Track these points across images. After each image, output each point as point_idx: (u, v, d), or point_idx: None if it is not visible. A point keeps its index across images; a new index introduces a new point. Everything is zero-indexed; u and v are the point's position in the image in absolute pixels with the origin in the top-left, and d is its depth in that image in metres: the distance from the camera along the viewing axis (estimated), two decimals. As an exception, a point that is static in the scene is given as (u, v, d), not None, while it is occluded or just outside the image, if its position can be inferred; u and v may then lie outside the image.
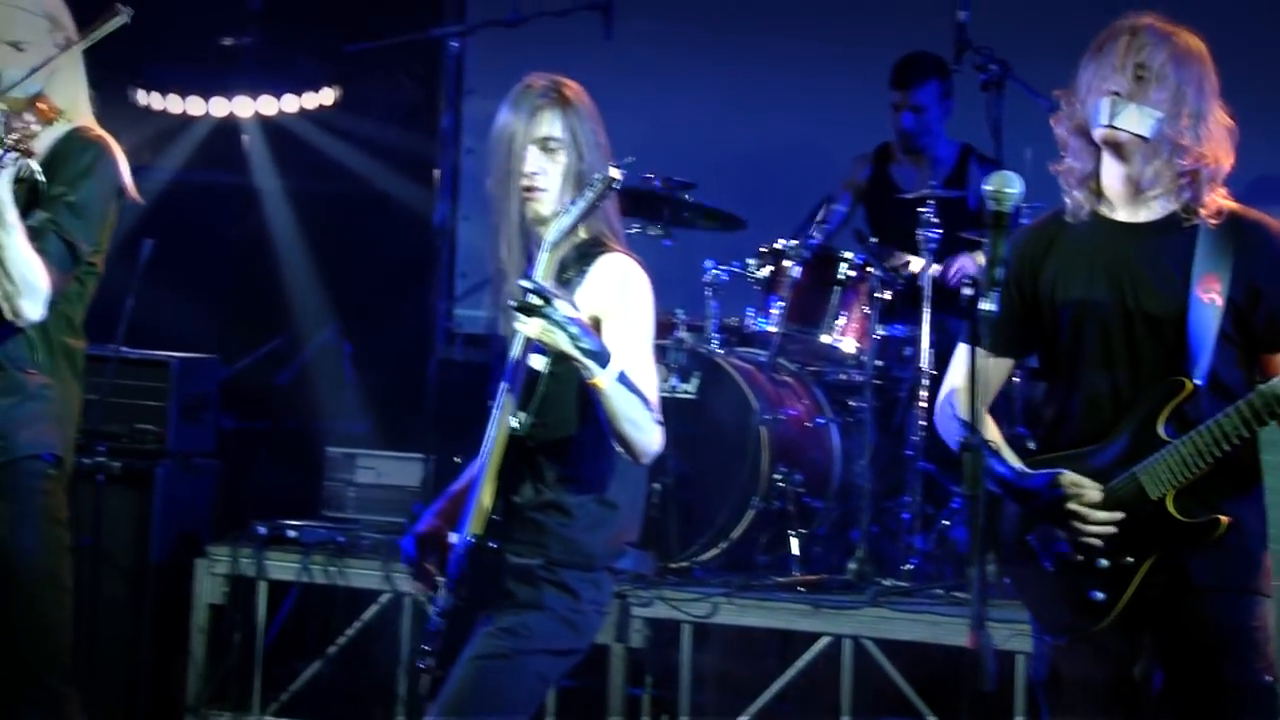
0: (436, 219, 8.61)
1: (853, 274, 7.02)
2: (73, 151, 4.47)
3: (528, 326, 3.88)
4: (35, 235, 4.34)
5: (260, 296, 8.72)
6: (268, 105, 8.55)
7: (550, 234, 4.03)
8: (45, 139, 4.43)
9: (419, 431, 7.95)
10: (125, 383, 6.89)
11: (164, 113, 8.46)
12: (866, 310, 7.00)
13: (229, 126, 8.78)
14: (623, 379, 3.94)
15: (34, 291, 4.33)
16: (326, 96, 8.63)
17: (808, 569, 6.75)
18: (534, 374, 4.07)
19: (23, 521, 4.49)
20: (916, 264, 6.99)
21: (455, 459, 7.58)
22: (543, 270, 3.99)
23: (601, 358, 3.90)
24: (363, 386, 8.53)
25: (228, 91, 8.47)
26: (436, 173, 8.68)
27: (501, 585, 4.15)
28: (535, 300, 3.83)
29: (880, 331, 6.96)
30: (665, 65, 8.35)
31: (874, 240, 7.14)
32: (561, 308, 3.85)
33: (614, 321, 4.05)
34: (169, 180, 8.38)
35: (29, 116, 4.19)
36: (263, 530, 7.05)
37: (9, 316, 4.35)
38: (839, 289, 7.05)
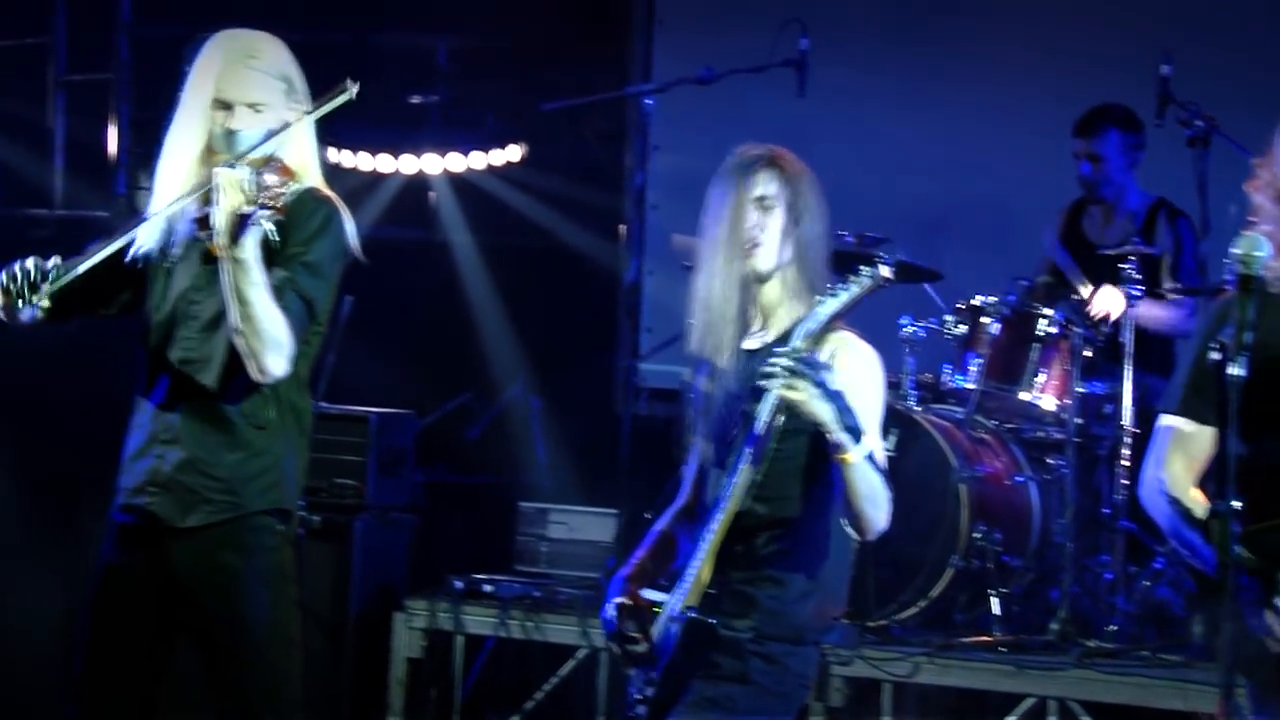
0: (623, 274, 8.72)
1: (1053, 330, 6.96)
2: (306, 212, 4.51)
3: (796, 392, 3.88)
4: (276, 294, 4.38)
5: (449, 351, 8.80)
6: (455, 162, 8.65)
7: (811, 321, 4.02)
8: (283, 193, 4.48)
9: (606, 486, 7.99)
10: (325, 438, 6.96)
11: (355, 170, 8.59)
12: (1067, 367, 6.93)
13: (418, 183, 8.89)
14: (869, 457, 3.95)
15: (279, 347, 4.37)
16: (513, 153, 8.71)
17: (1007, 629, 6.68)
18: (770, 445, 4.07)
19: (253, 577, 4.52)
20: (1103, 302, 6.94)
21: (646, 514, 7.62)
22: (801, 345, 3.99)
23: (857, 434, 3.90)
24: (550, 441, 8.56)
25: (417, 149, 8.58)
26: (622, 228, 8.80)
27: (707, 656, 4.16)
28: (808, 368, 3.84)
29: (1080, 388, 6.89)
30: (856, 120, 8.33)
31: (1075, 297, 7.09)
32: (831, 378, 3.86)
33: (858, 402, 4.03)
34: (361, 237, 8.46)
35: (273, 178, 4.23)
36: (459, 585, 7.12)
37: (254, 373, 4.39)
38: (1039, 346, 6.99)
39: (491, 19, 8.92)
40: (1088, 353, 6.90)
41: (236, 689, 4.53)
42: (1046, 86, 8.14)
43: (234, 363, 4.44)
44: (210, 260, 4.45)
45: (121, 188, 9.37)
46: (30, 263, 4.48)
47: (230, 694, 4.53)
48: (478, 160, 8.67)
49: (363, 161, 8.60)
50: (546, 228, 8.94)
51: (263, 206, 4.16)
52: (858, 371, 4.11)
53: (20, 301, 4.46)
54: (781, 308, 4.28)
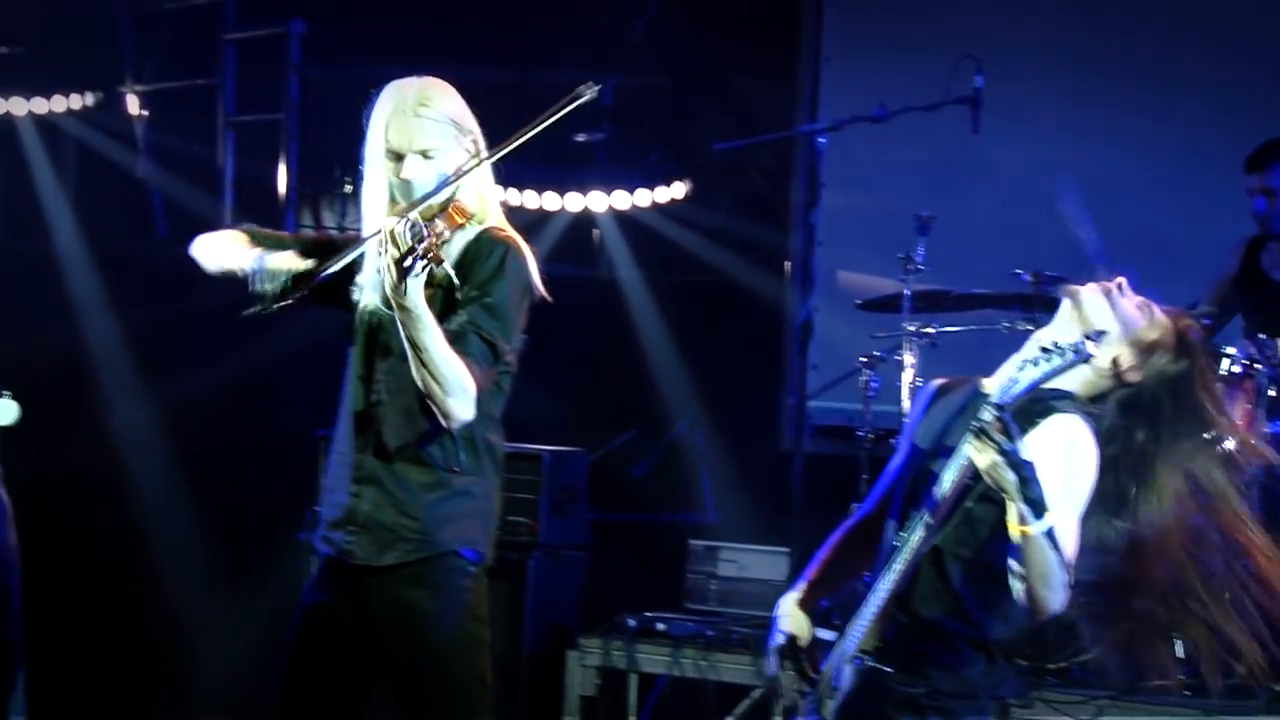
0: (788, 310, 8.71)
1: (1237, 370, 6.86)
2: (483, 252, 4.53)
3: (980, 455, 3.84)
4: (457, 338, 4.40)
5: (614, 388, 8.82)
6: (620, 199, 8.68)
7: (1012, 386, 3.98)
8: (457, 242, 4.51)
9: (774, 523, 7.97)
10: (499, 475, 7.01)
11: (521, 208, 8.65)
12: (1251, 406, 6.81)
13: (583, 221, 8.93)
14: (1049, 534, 3.88)
15: (462, 392, 4.39)
16: (677, 190, 8.73)
17: (1191, 671, 6.56)
18: (955, 504, 4.03)
19: (445, 617, 4.54)
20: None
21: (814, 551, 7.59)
22: (994, 408, 3.94)
23: (1040, 508, 3.84)
24: (716, 478, 8.55)
25: (583, 186, 8.63)
26: (788, 264, 8.79)
27: (881, 708, 4.14)
28: (998, 432, 3.80)
29: (1266, 429, 6.77)
30: (1029, 155, 8.26)
31: (1261, 336, 6.97)
32: (1022, 447, 3.81)
33: (1052, 479, 3.97)
34: (531, 274, 8.53)
35: (440, 224, 4.25)
36: (632, 623, 7.12)
37: (440, 419, 4.42)
38: (1221, 385, 6.86)
39: (655, 56, 8.96)
40: (1273, 391, 6.78)
41: None
42: (1221, 120, 8.04)
43: (428, 405, 4.47)
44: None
45: (290, 226, 9.50)
46: (284, 264, 4.53)
47: None
48: (642, 197, 8.70)
49: (529, 199, 8.67)
50: (710, 264, 8.96)
51: (421, 256, 4.18)
52: (1057, 447, 4.04)
53: (265, 300, 4.51)
54: (1010, 363, 4.22)
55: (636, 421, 8.75)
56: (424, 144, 4.49)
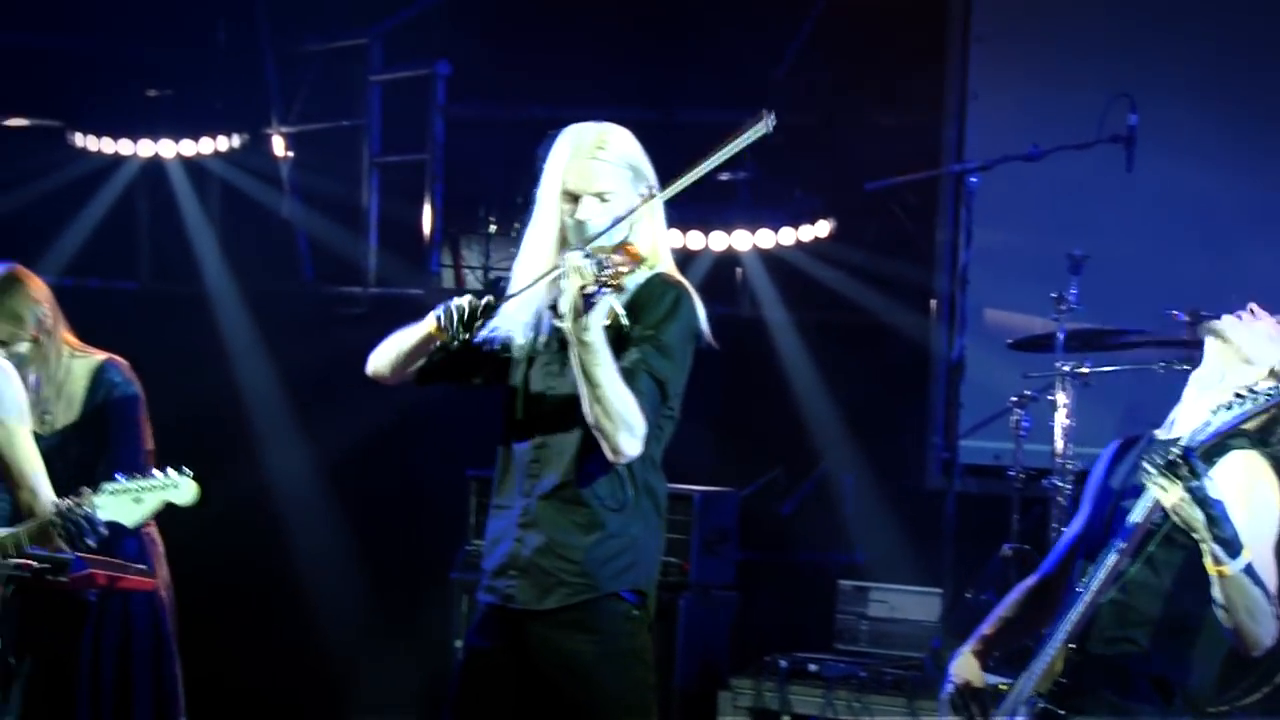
0: (934, 349, 8.67)
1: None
2: (655, 295, 4.55)
3: (1166, 494, 3.82)
4: (627, 375, 4.42)
5: (759, 427, 8.81)
6: (765, 238, 8.68)
7: (1204, 429, 3.96)
8: (629, 283, 4.53)
9: (920, 563, 7.94)
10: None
11: (665, 247, 8.65)
12: None
13: (726, 259, 8.94)
14: (1249, 570, 3.85)
15: (631, 429, 4.41)
16: (822, 228, 8.72)
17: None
18: (1143, 545, 4.00)
19: (607, 660, 4.54)
20: None
21: (966, 593, 7.54)
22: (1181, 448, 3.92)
23: (1233, 547, 3.81)
24: (861, 517, 8.52)
25: (727, 225, 8.63)
26: (933, 303, 8.75)
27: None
28: (1182, 472, 3.77)
29: None
30: (1183, 193, 8.17)
31: None
32: (1210, 484, 3.78)
33: (1239, 513, 3.94)
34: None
35: (618, 257, 4.28)
36: (784, 664, 7.11)
37: (608, 454, 4.43)
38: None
39: (799, 94, 8.97)
40: None
41: None
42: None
43: (590, 446, 4.49)
44: (565, 345, 4.53)
45: (435, 265, 9.59)
46: (466, 300, 4.55)
47: None
48: (787, 236, 8.69)
49: (673, 239, 8.66)
50: (854, 302, 8.92)
51: (604, 285, 4.21)
52: (1240, 483, 4.01)
53: (452, 335, 4.54)
54: (1201, 403, 4.19)
55: (782, 460, 8.73)
56: (600, 186, 4.54)
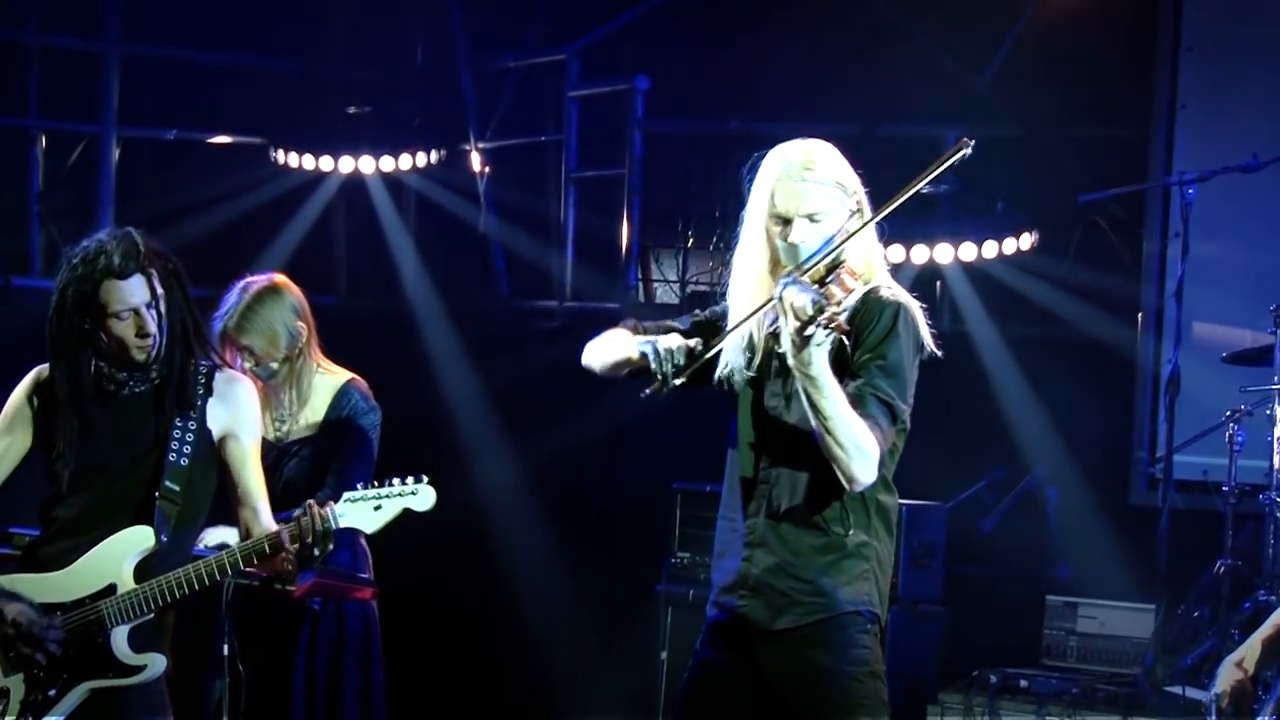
0: (1141, 362, 8.54)
1: None
2: (873, 313, 4.50)
3: None
4: (855, 401, 4.38)
5: (963, 440, 8.72)
6: (967, 251, 8.61)
7: None
8: (846, 303, 4.48)
9: (1128, 578, 7.83)
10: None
11: (868, 261, 8.61)
12: None
13: (927, 273, 8.88)
14: None
15: (866, 457, 4.36)
16: (1025, 241, 8.63)
17: None
18: None
19: (846, 678, 4.52)
20: None
21: (1178, 609, 7.43)
22: None
23: None
24: (1066, 532, 8.41)
25: (929, 239, 8.58)
26: (1139, 315, 8.63)
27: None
28: None
29: None
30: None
31: None
32: None
33: None
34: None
35: (837, 292, 4.21)
36: (993, 679, 7.04)
37: (844, 482, 4.39)
38: None
39: (1002, 106, 8.89)
40: None
41: None
42: None
43: (822, 468, 4.45)
44: (786, 370, 4.51)
45: (632, 280, 9.62)
46: (676, 345, 4.54)
47: None
48: (989, 249, 8.61)
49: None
50: (1058, 315, 8.82)
51: (824, 326, 4.16)
52: None
53: (663, 379, 4.55)
54: None
55: (986, 474, 8.64)
56: (811, 208, 4.48)
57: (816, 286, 4.20)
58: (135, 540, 4.81)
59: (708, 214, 9.53)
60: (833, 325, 4.14)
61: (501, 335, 9.68)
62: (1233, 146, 7.68)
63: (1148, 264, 8.60)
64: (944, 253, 8.61)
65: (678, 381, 4.50)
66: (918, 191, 4.45)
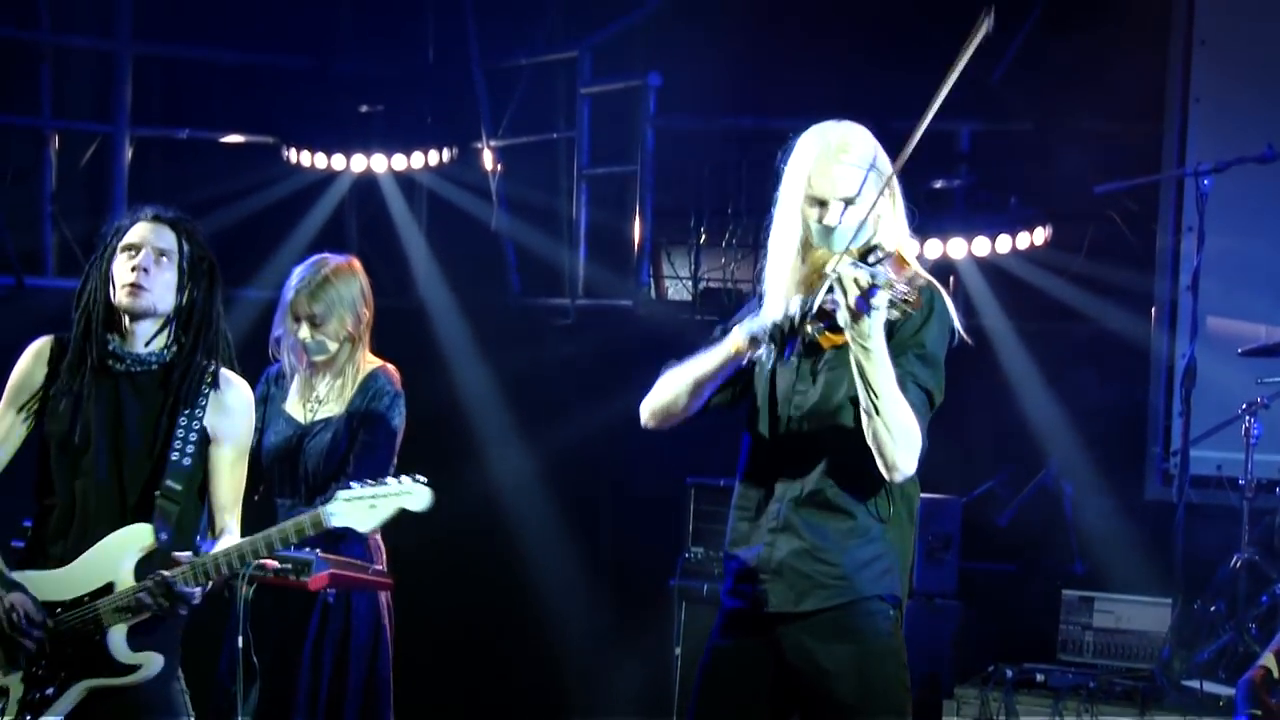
0: (1157, 356, 8.52)
1: None
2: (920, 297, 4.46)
3: None
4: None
5: (979, 434, 8.71)
6: (981, 245, 8.59)
7: None
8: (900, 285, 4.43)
9: (1144, 573, 7.80)
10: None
11: (880, 255, 8.59)
12: None
13: (941, 267, 8.85)
14: None
15: (912, 443, 4.35)
16: (1039, 236, 8.61)
17: None
18: None
19: (869, 661, 4.51)
20: None
21: (1194, 604, 7.41)
22: None
23: None
24: (1081, 526, 8.38)
25: (942, 234, 8.56)
26: (1153, 310, 8.60)
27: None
28: None
29: None
30: None
31: None
32: None
33: None
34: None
35: (894, 275, 4.17)
36: (1010, 673, 7.02)
37: (883, 469, 4.36)
38: None
39: (1014, 100, 8.88)
40: None
41: None
42: None
43: (845, 452, 4.45)
44: (812, 352, 4.49)
45: (645, 277, 9.60)
46: (782, 316, 4.41)
47: None
48: (1003, 244, 8.59)
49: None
50: (1072, 309, 8.80)
51: (891, 303, 4.13)
52: None
53: (785, 337, 4.40)
54: None
55: (1001, 468, 8.61)
56: (847, 191, 4.47)
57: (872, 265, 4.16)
58: (134, 539, 4.81)
59: (720, 210, 9.50)
60: (900, 298, 4.12)
61: (514, 332, 9.67)
62: (1246, 140, 7.65)
63: (1161, 257, 8.56)
64: (958, 247, 8.58)
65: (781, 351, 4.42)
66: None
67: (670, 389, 4.70)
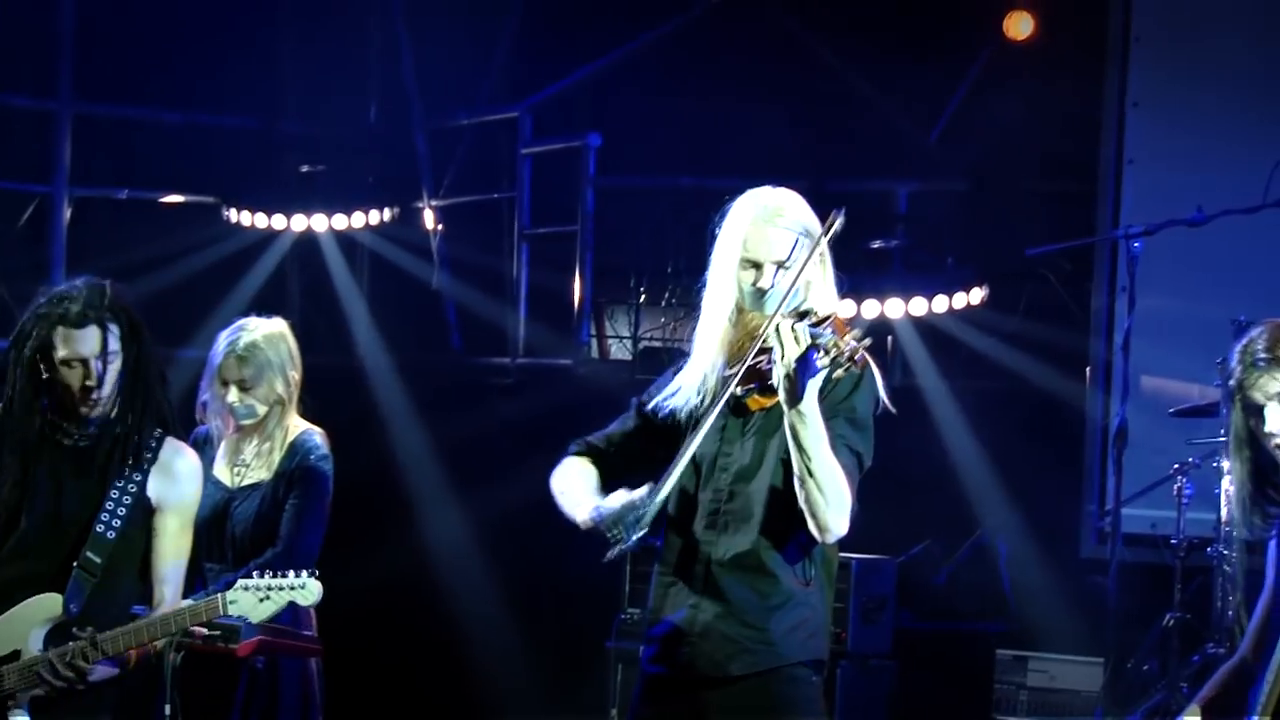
0: (1090, 415, 8.57)
1: None
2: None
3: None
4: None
5: (914, 494, 8.73)
6: (918, 306, 8.64)
7: None
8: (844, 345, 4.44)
9: (1078, 632, 7.83)
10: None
11: (816, 316, 8.64)
12: None
13: (879, 327, 8.90)
14: None
15: (843, 506, 4.34)
16: (975, 296, 8.67)
17: None
18: None
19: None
20: None
21: (1128, 664, 7.43)
22: None
23: None
24: (1016, 585, 8.41)
25: (879, 294, 8.61)
26: (1088, 370, 8.66)
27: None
28: None
29: None
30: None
31: None
32: None
33: None
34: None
35: (834, 335, 4.18)
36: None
37: (814, 531, 4.35)
38: None
39: (950, 162, 8.96)
40: None
41: None
42: None
43: (772, 514, 4.44)
44: (740, 413, 4.51)
45: (585, 335, 9.62)
46: (618, 502, 4.45)
47: None
48: (940, 303, 8.65)
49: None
50: (1008, 369, 8.86)
51: (836, 363, 4.14)
52: None
53: (618, 542, 4.43)
54: None
55: (936, 528, 8.64)
56: (781, 254, 4.47)
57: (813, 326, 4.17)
58: (43, 609, 4.77)
59: (660, 270, 9.56)
60: (845, 358, 4.10)
61: (454, 391, 9.67)
62: (1180, 200, 7.70)
63: (1096, 318, 8.63)
64: (895, 307, 8.64)
65: (635, 538, 4.42)
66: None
67: (561, 499, 4.77)
